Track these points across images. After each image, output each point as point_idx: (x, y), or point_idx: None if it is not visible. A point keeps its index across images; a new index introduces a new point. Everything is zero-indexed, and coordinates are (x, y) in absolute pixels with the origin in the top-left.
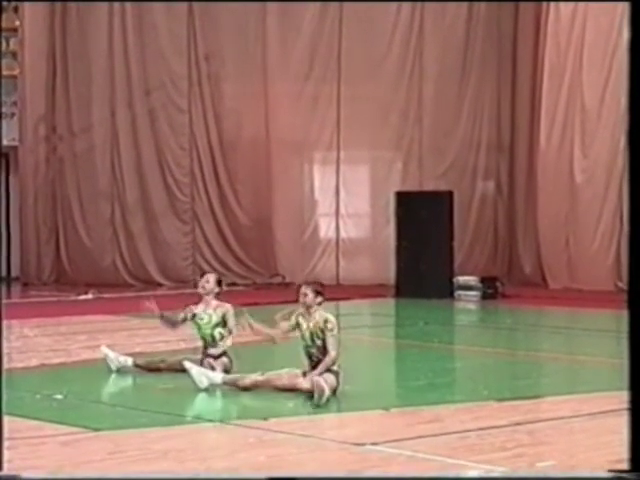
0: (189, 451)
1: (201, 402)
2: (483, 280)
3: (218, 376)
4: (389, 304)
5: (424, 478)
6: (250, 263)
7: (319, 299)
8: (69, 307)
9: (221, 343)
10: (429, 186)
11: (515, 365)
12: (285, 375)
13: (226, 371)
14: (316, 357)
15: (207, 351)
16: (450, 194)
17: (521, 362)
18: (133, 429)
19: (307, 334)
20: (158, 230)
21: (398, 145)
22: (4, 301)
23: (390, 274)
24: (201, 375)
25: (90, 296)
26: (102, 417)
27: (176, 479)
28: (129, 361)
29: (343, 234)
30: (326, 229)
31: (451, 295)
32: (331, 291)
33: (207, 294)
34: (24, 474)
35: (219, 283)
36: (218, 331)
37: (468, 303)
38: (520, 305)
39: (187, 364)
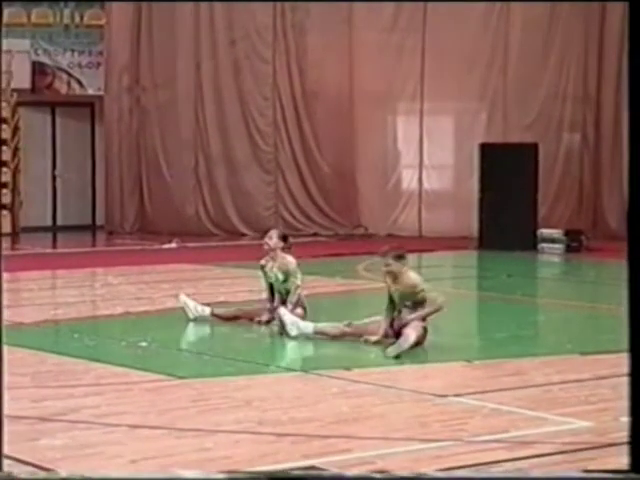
0: (272, 400)
1: (284, 351)
2: (567, 233)
3: (309, 326)
4: (472, 256)
5: (432, 478)
6: (332, 214)
7: (403, 261)
8: (153, 256)
9: (291, 298)
10: (514, 138)
11: (599, 319)
12: (370, 326)
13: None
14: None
15: (277, 304)
16: (535, 146)
17: (605, 316)
18: (217, 377)
19: (397, 294)
20: (241, 180)
21: (483, 96)
22: (89, 249)
23: (473, 226)
24: (293, 324)
25: (174, 245)
26: (186, 365)
27: (176, 479)
28: (207, 310)
29: (426, 186)
30: (409, 180)
31: (534, 248)
32: (414, 243)
33: (270, 250)
34: (21, 474)
35: (284, 239)
36: (284, 287)
37: (552, 256)
38: (604, 259)
39: (282, 310)
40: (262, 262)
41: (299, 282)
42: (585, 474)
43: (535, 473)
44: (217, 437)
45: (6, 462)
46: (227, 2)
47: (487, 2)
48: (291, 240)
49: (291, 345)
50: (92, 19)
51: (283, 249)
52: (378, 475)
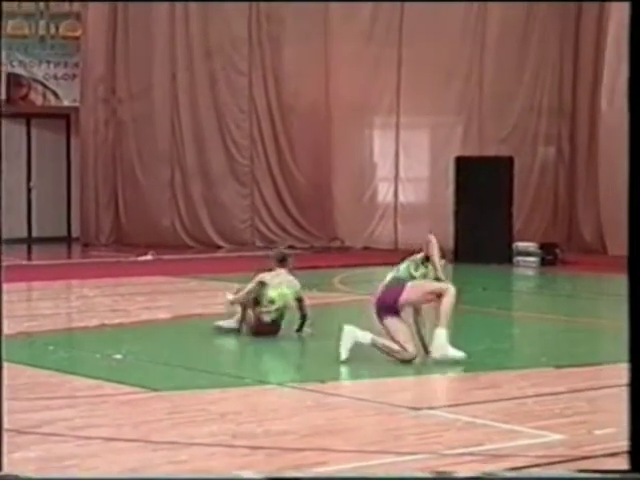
0: (246, 413)
1: (259, 364)
2: (542, 246)
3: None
4: (447, 269)
5: (423, 478)
6: (308, 227)
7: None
8: (128, 268)
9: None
10: (489, 151)
11: (574, 332)
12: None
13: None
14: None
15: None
16: (510, 160)
17: (580, 329)
18: (192, 390)
19: None
20: (217, 193)
21: (459, 110)
22: (64, 261)
23: (448, 239)
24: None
25: (149, 257)
26: (161, 377)
27: (176, 479)
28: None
29: (402, 198)
30: (385, 193)
31: (510, 261)
32: (389, 255)
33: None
34: (23, 474)
35: (281, 260)
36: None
37: (527, 269)
38: (579, 272)
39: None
40: None
41: (275, 306)
42: (585, 474)
43: (553, 474)
44: (192, 450)
45: None
46: (203, 6)
47: (465, 2)
48: (290, 259)
49: (266, 357)
50: (68, 30)
51: (288, 270)
52: (434, 475)
